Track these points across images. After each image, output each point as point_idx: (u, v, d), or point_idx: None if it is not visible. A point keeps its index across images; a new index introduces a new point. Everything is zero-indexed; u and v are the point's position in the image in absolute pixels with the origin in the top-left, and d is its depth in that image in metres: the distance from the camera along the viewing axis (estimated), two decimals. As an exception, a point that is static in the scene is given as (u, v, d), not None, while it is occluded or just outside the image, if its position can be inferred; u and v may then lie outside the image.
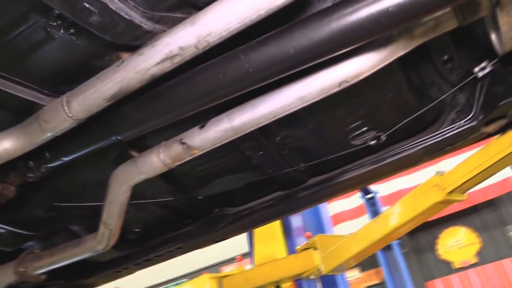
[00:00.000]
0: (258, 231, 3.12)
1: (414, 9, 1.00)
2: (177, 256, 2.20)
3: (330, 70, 1.19)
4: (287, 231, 3.11)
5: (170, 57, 1.08)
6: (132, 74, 1.12)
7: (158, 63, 1.09)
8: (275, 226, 3.09)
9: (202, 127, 1.38)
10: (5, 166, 1.36)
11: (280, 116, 1.28)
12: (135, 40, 1.10)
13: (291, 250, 3.05)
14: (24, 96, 1.27)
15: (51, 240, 1.98)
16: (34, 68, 1.22)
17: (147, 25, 1.07)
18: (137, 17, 1.03)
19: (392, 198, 7.75)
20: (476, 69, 1.50)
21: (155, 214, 2.06)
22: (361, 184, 1.97)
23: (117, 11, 1.00)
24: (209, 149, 1.40)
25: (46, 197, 1.75)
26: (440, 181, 1.84)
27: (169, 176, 1.73)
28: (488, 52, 1.46)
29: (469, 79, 1.52)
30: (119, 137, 1.34)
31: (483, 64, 1.48)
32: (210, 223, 2.06)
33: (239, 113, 1.31)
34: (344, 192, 1.88)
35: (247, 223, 1.99)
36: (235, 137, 1.35)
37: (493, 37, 1.35)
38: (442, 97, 1.58)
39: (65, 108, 1.20)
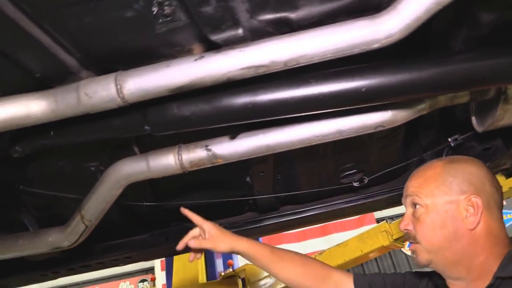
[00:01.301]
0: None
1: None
2: (122, 265, 2.04)
3: (373, 113, 1.33)
4: (209, 257, 3.07)
5: (256, 66, 1.10)
6: (209, 72, 1.10)
7: (242, 69, 1.10)
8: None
9: (233, 138, 1.39)
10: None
11: (314, 143, 1.37)
12: (225, 40, 1.10)
13: (211, 276, 3.01)
14: (63, 59, 1.14)
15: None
16: (88, 33, 1.11)
17: (244, 29, 1.09)
18: (243, 19, 1.05)
19: (273, 240, 8.08)
20: (450, 139, 1.79)
21: (108, 215, 1.91)
22: (328, 219, 2.10)
23: (233, 8, 1.01)
24: (233, 160, 1.41)
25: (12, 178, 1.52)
26: (388, 228, 2.09)
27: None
28: (462, 125, 1.77)
29: (442, 146, 1.80)
30: (149, 130, 1.27)
31: (456, 136, 1.78)
32: (168, 235, 1.98)
33: (277, 132, 1.36)
34: (310, 225, 1.99)
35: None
36: (264, 154, 1.39)
37: (473, 116, 1.65)
38: (415, 159, 1.84)
39: (118, 86, 1.11)
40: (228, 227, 1.90)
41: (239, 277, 2.71)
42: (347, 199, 1.85)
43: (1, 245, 1.56)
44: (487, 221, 1.11)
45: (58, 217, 1.68)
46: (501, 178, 1.82)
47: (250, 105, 1.20)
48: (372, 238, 2.15)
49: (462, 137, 1.77)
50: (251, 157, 1.40)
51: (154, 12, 1.04)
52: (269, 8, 1.07)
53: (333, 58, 1.10)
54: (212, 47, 1.13)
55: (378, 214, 8.12)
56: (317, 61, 1.11)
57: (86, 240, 1.89)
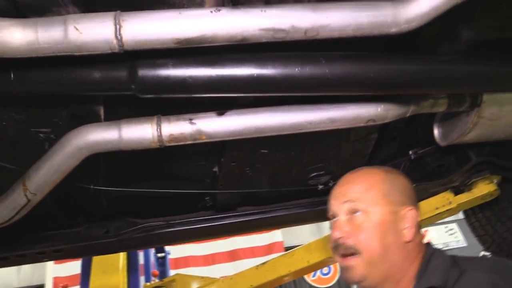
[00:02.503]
0: (98, 259, 2.70)
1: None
2: (47, 260, 1.74)
3: (366, 105, 1.32)
4: (132, 266, 2.78)
5: (275, 30, 1.02)
6: (224, 27, 1.00)
7: (260, 29, 1.02)
8: (119, 257, 2.74)
9: (221, 114, 1.27)
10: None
11: (305, 131, 1.31)
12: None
13: (133, 286, 2.72)
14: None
15: None
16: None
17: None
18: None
19: (179, 262, 7.73)
20: (411, 152, 1.85)
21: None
22: (288, 223, 2.02)
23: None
24: (216, 139, 1.28)
25: None
26: (338, 240, 2.07)
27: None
28: (422, 141, 1.85)
29: (403, 159, 1.86)
30: (134, 89, 1.11)
31: (417, 149, 1.85)
32: (108, 229, 1.75)
33: (268, 114, 1.28)
34: (268, 228, 1.90)
35: (154, 238, 1.77)
36: (252, 136, 1.29)
37: (436, 130, 1.73)
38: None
39: (117, 26, 0.96)
40: (182, 224, 1.74)
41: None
42: (310, 203, 1.80)
43: None
44: (418, 234, 1.14)
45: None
46: (450, 195, 1.92)
47: (256, 76, 1.11)
48: (320, 249, 2.12)
49: (422, 151, 1.84)
50: (236, 137, 1.29)
51: None
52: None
53: (352, 35, 1.07)
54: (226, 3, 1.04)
55: (288, 242, 8.22)
56: (336, 36, 1.07)
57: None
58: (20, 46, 0.94)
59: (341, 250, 1.11)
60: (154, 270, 3.13)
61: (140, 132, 1.22)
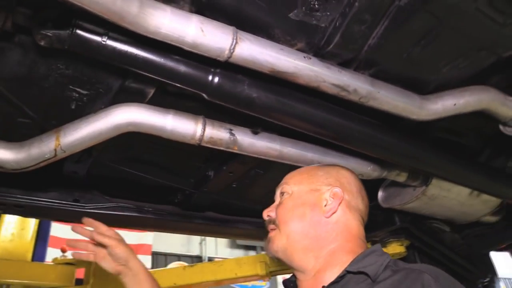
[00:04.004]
0: (9, 220, 2.47)
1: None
2: (5, 213, 1.63)
3: (362, 162, 1.61)
4: (42, 235, 2.59)
5: (342, 88, 1.26)
6: (308, 72, 1.20)
7: (332, 84, 1.24)
8: (30, 223, 2.55)
9: (255, 133, 1.44)
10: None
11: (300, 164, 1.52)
12: (332, 55, 1.23)
13: (37, 257, 2.53)
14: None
15: None
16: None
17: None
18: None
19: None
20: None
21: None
22: (246, 237, 2.17)
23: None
24: (243, 154, 1.44)
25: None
26: (267, 260, 2.28)
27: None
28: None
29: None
30: (208, 91, 1.23)
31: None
32: (76, 198, 1.73)
33: (291, 145, 1.49)
34: (224, 236, 2.04)
35: (121, 218, 1.80)
36: (273, 160, 1.48)
37: (381, 193, 2.11)
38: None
39: (234, 40, 1.09)
40: (152, 212, 1.81)
41: (76, 266, 2.41)
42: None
43: None
44: (345, 216, 1.12)
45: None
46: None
47: (308, 115, 1.33)
48: (250, 264, 2.30)
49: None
50: (259, 156, 1.47)
51: (309, 1, 1.11)
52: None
53: (386, 110, 1.36)
54: (316, 54, 1.24)
55: (156, 247, 8.17)
56: (375, 107, 1.34)
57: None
58: (148, 26, 1.02)
59: (268, 227, 1.17)
60: (64, 246, 2.95)
61: (186, 127, 1.33)
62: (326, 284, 1.01)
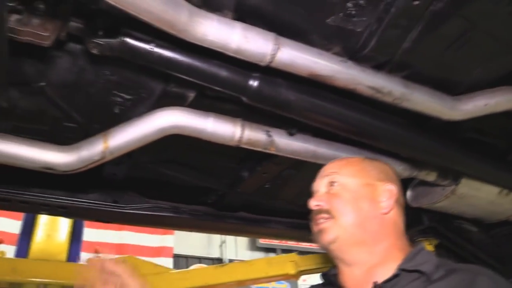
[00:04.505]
0: (44, 222, 2.57)
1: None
2: (49, 214, 1.72)
3: (393, 162, 1.64)
4: (76, 235, 2.69)
5: (377, 90, 1.30)
6: (344, 76, 1.25)
7: (367, 86, 1.28)
8: (65, 224, 2.65)
9: (291, 134, 1.49)
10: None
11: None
12: (367, 58, 1.27)
13: (72, 257, 2.62)
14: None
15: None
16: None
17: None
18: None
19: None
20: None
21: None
22: (277, 237, 2.23)
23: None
24: (279, 154, 1.49)
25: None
26: (297, 260, 2.33)
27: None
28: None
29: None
30: (247, 94, 1.28)
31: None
32: (115, 199, 1.80)
33: (326, 145, 1.53)
34: (256, 236, 2.10)
35: (158, 219, 1.87)
36: (308, 160, 1.52)
37: (410, 193, 2.13)
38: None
39: (275, 47, 1.14)
40: (188, 213, 1.87)
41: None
42: (295, 224, 2.06)
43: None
44: (396, 213, 1.16)
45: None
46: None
47: (343, 116, 1.37)
48: (281, 264, 2.35)
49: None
50: (294, 157, 1.52)
51: (347, 7, 1.16)
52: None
53: (420, 111, 1.39)
54: (351, 57, 1.29)
55: (177, 250, 8.27)
56: (410, 108, 1.38)
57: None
58: (196, 34, 1.08)
59: (318, 217, 1.14)
60: (97, 247, 3.05)
61: (225, 129, 1.39)
62: (378, 280, 1.03)
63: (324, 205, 1.14)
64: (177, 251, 8.20)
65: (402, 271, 1.02)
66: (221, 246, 9.28)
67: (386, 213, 1.13)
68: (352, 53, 1.28)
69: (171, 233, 8.06)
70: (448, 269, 1.01)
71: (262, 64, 1.18)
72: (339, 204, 1.12)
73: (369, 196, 1.14)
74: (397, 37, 1.22)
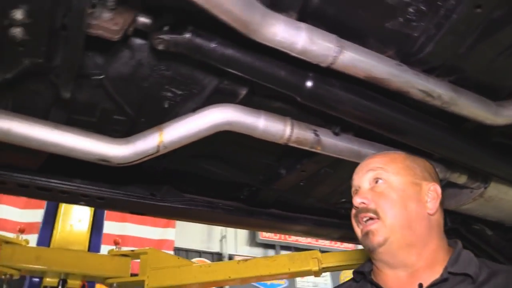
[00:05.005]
0: (65, 211, 2.58)
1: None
2: (87, 205, 1.74)
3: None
4: (97, 228, 2.70)
5: (428, 94, 1.33)
6: (399, 79, 1.27)
7: (419, 90, 1.31)
8: (87, 214, 2.66)
9: (336, 134, 1.52)
10: None
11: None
12: (418, 62, 1.31)
13: (93, 248, 2.64)
14: None
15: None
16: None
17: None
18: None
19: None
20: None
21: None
22: (304, 234, 2.26)
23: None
24: (325, 153, 1.52)
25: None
26: (319, 256, 2.36)
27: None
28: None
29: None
30: (302, 93, 1.31)
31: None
32: (153, 192, 1.82)
33: (368, 145, 1.57)
34: (286, 233, 2.13)
35: (194, 213, 1.89)
36: (350, 160, 1.55)
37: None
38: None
39: (338, 49, 1.17)
40: (221, 208, 1.90)
41: (133, 258, 2.51)
42: (328, 222, 2.10)
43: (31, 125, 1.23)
44: (440, 214, 1.14)
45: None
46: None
47: (390, 118, 1.40)
48: (303, 260, 2.37)
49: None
50: (339, 156, 1.55)
51: (408, 12, 1.19)
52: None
53: (465, 115, 1.43)
54: (404, 61, 1.32)
55: (178, 244, 8.31)
56: (456, 112, 1.41)
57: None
58: (266, 34, 1.10)
59: (362, 215, 1.10)
60: (117, 238, 3.07)
61: (276, 128, 1.42)
62: (424, 282, 1.02)
63: (370, 203, 1.10)
64: (178, 244, 8.22)
65: (450, 274, 1.01)
66: (221, 240, 9.33)
67: (432, 214, 1.11)
68: (406, 56, 1.32)
69: (173, 226, 8.10)
70: (490, 270, 1.02)
71: (323, 65, 1.20)
72: (387, 204, 1.08)
73: (416, 196, 1.11)
74: (454, 43, 1.25)
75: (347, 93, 1.34)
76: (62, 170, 1.68)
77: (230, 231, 9.16)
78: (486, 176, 1.89)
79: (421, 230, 1.08)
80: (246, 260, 2.44)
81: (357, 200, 1.13)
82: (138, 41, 1.27)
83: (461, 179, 1.89)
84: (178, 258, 2.53)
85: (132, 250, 2.56)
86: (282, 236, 9.11)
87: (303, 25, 1.15)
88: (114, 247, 2.68)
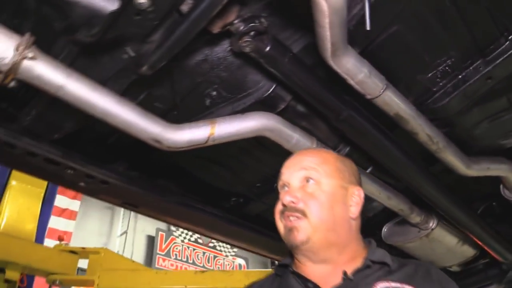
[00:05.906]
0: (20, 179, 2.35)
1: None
2: (87, 193, 1.70)
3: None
4: (48, 198, 2.47)
5: (430, 139, 1.63)
6: (415, 122, 1.56)
7: (426, 134, 1.61)
8: (42, 186, 2.45)
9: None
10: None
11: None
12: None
13: (37, 239, 2.39)
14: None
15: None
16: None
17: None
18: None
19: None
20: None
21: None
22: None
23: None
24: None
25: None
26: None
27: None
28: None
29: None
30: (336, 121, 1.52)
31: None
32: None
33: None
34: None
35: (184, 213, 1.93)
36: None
37: (386, 229, 2.49)
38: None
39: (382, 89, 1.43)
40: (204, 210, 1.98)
41: (80, 256, 2.37)
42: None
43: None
44: (360, 217, 1.20)
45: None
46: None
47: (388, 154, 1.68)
48: (258, 277, 2.47)
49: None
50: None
51: (437, 70, 1.49)
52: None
53: (448, 163, 1.76)
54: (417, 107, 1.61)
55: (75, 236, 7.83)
56: (441, 158, 1.74)
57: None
58: (341, 65, 1.31)
59: (289, 213, 1.12)
60: (61, 234, 2.81)
61: (305, 144, 1.59)
62: (347, 270, 1.08)
63: (298, 203, 1.12)
64: (75, 236, 7.65)
65: (371, 262, 1.10)
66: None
67: (354, 218, 1.17)
68: (420, 105, 1.61)
69: (74, 219, 7.70)
70: (401, 263, 1.14)
71: (368, 97, 1.44)
72: (315, 206, 1.11)
73: (342, 199, 1.16)
74: (460, 102, 1.58)
75: (373, 126, 1.59)
76: (73, 147, 1.64)
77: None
78: (437, 218, 2.25)
79: (343, 233, 1.13)
80: (203, 272, 2.47)
81: (286, 198, 1.14)
82: (216, 38, 1.37)
83: (416, 218, 2.23)
84: (133, 262, 2.46)
85: (83, 248, 2.42)
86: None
87: (365, 61, 1.38)
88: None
